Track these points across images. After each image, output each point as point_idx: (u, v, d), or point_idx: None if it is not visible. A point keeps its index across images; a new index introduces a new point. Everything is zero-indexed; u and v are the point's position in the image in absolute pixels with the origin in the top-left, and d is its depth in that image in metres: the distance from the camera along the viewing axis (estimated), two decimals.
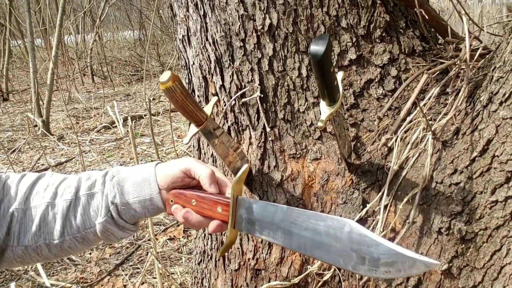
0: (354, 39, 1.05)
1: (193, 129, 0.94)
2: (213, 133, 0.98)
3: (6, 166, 3.64)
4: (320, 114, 0.82)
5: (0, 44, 8.37)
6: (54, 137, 4.42)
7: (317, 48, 0.72)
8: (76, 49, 8.29)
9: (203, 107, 0.95)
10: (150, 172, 0.81)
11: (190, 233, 2.60)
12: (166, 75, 0.83)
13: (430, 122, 0.98)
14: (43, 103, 4.85)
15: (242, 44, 1.08)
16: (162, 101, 5.66)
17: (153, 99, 5.74)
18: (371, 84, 1.06)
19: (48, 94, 4.83)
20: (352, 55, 1.06)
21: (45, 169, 3.62)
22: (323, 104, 0.82)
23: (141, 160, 3.79)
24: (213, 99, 0.99)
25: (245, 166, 0.73)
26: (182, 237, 2.58)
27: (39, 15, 9.40)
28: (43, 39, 8.39)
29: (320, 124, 0.80)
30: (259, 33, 1.06)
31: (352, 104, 1.06)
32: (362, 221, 1.00)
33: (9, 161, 3.54)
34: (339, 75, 0.85)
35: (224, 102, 1.15)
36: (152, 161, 3.61)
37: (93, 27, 8.82)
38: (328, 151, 1.06)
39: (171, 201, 0.80)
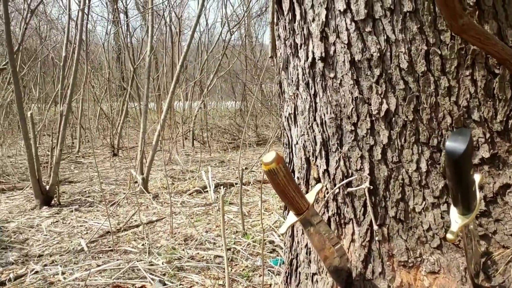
0: (488, 135, 0.90)
1: (292, 217, 0.86)
2: (311, 221, 0.87)
3: (104, 217, 3.84)
4: (450, 222, 0.67)
5: (119, 105, 9.38)
6: (150, 195, 4.62)
7: (455, 145, 0.60)
8: (182, 114, 8.95)
9: (304, 193, 0.85)
10: None
11: None
12: (270, 156, 0.76)
13: None
14: (146, 161, 5.16)
15: (353, 128, 0.99)
16: (253, 171, 5.72)
17: (246, 168, 5.83)
18: (508, 190, 0.88)
19: (152, 154, 5.15)
20: (484, 153, 0.90)
21: (137, 226, 3.75)
22: (454, 211, 0.67)
23: (226, 229, 3.75)
24: (317, 186, 0.90)
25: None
26: None
27: (156, 82, 10.47)
28: (156, 103, 9.24)
29: (450, 236, 0.65)
30: (373, 118, 0.97)
31: (482, 211, 0.88)
32: None
33: (107, 214, 3.73)
34: (476, 178, 0.71)
35: (326, 188, 1.04)
36: (237, 231, 3.55)
37: (200, 96, 9.54)
38: (449, 264, 0.88)
39: None
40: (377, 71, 0.95)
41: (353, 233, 0.97)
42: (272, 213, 3.91)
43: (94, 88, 10.20)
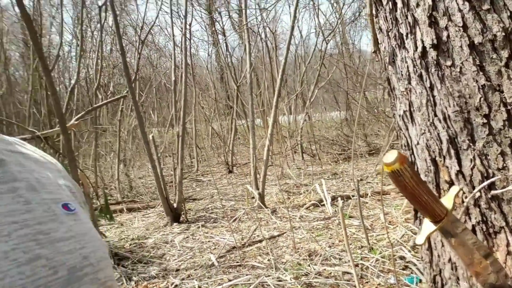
0: None
1: (429, 226, 0.74)
2: (452, 230, 0.75)
3: (229, 233, 4.01)
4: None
5: (228, 123, 9.84)
6: (268, 210, 4.72)
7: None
8: (288, 128, 9.06)
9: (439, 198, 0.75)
10: None
11: None
12: (392, 155, 0.68)
13: None
14: (260, 177, 5.30)
15: (485, 120, 0.86)
16: (370, 182, 5.54)
17: (361, 179, 5.67)
18: None
19: (264, 169, 5.28)
20: None
21: (260, 241, 3.85)
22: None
23: (350, 244, 3.66)
24: (453, 189, 0.78)
25: None
26: None
27: (259, 98, 10.80)
28: (261, 119, 9.52)
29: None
30: (509, 107, 0.83)
31: None
32: None
33: (231, 229, 3.89)
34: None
35: (464, 193, 0.91)
36: (362, 246, 3.44)
37: (304, 108, 9.59)
38: None
39: None
40: (504, 53, 0.82)
41: (508, 244, 0.84)
42: (397, 226, 3.73)
43: (204, 109, 10.85)
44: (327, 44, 9.25)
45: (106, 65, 10.95)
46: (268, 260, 3.44)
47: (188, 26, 7.22)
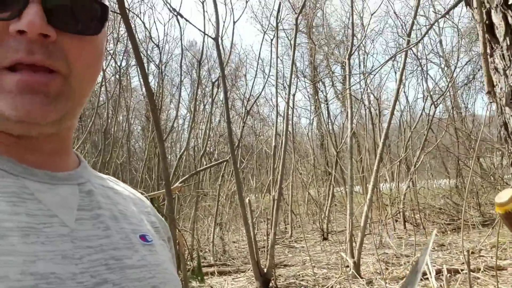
0: None
1: None
2: None
3: None
4: None
5: (326, 190, 9.65)
6: (363, 280, 4.37)
7: None
8: (389, 195, 8.56)
9: None
10: None
11: None
12: (506, 194, 0.59)
13: None
14: (356, 245, 4.99)
15: None
16: (483, 256, 4.86)
17: (472, 252, 5.01)
18: None
19: (361, 237, 4.97)
20: None
21: None
22: None
23: None
24: None
25: None
26: None
27: (360, 164, 10.50)
28: (361, 186, 9.17)
29: None
30: None
31: None
32: None
33: None
34: None
35: None
36: None
37: (407, 174, 9.03)
38: None
39: None
40: None
41: None
42: None
43: (302, 175, 10.85)
44: (435, 108, 8.81)
45: (213, 134, 11.78)
46: None
47: (291, 96, 7.53)
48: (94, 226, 0.48)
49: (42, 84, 0.43)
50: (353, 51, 5.95)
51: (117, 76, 9.84)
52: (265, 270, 4.62)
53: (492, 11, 1.01)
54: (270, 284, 4.57)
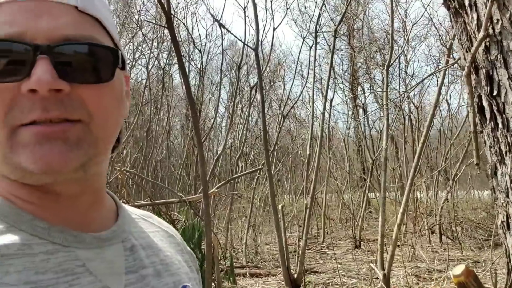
0: None
1: None
2: None
3: None
4: None
5: (360, 196, 9.59)
6: None
7: None
8: (426, 205, 8.40)
9: None
10: None
11: None
12: (459, 269, 0.77)
13: None
14: (387, 256, 4.98)
15: None
16: None
17: (509, 272, 4.88)
18: None
19: (392, 248, 4.94)
20: None
21: None
22: None
23: None
24: None
25: None
26: None
27: (397, 171, 10.33)
28: (397, 193, 9.04)
29: None
30: None
31: None
32: None
33: None
34: None
35: None
36: None
37: (446, 185, 8.81)
38: None
39: None
40: None
41: None
42: None
43: (337, 180, 10.80)
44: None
45: (250, 135, 11.92)
46: None
47: (328, 101, 7.54)
48: None
49: (60, 131, 0.43)
50: (391, 63, 5.90)
51: (160, 77, 10.19)
52: (295, 276, 4.71)
53: (482, 96, 1.13)
54: None
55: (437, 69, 9.07)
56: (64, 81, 0.43)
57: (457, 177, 8.57)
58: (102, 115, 0.47)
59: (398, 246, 5.32)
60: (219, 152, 9.10)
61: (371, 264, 4.42)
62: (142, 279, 0.52)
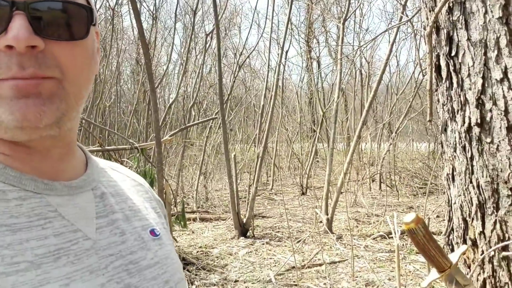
0: None
1: (434, 274, 0.91)
2: (459, 284, 0.90)
3: (291, 253, 4.11)
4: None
5: (309, 146, 9.95)
6: (333, 236, 4.73)
7: None
8: (370, 156, 8.89)
9: (449, 254, 0.91)
10: None
11: None
12: (410, 217, 0.86)
13: None
14: (331, 202, 5.32)
15: (510, 193, 1.02)
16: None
17: (437, 216, 5.40)
18: None
19: (336, 195, 5.29)
20: None
21: (320, 265, 3.89)
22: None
23: (411, 280, 3.54)
24: (461, 248, 0.94)
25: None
26: None
27: (345, 124, 10.74)
28: (344, 144, 9.46)
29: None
30: None
31: None
32: None
33: (293, 250, 3.99)
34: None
35: (482, 250, 1.08)
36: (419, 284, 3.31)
37: (389, 138, 9.33)
38: None
39: None
40: None
41: None
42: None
43: (288, 131, 11.08)
44: (423, 76, 8.94)
45: (203, 84, 11.76)
46: (324, 284, 3.47)
47: (284, 53, 7.59)
48: (112, 232, 0.53)
49: (34, 86, 0.44)
50: (348, 16, 5.97)
51: (109, 18, 9.66)
52: (244, 220, 4.95)
53: (441, 56, 1.21)
54: (248, 234, 4.91)
55: (390, 25, 9.27)
56: (39, 38, 0.44)
57: (399, 130, 9.08)
58: (74, 73, 0.47)
59: (342, 193, 5.67)
60: (171, 100, 8.99)
61: (315, 210, 4.72)
62: (112, 223, 0.53)
